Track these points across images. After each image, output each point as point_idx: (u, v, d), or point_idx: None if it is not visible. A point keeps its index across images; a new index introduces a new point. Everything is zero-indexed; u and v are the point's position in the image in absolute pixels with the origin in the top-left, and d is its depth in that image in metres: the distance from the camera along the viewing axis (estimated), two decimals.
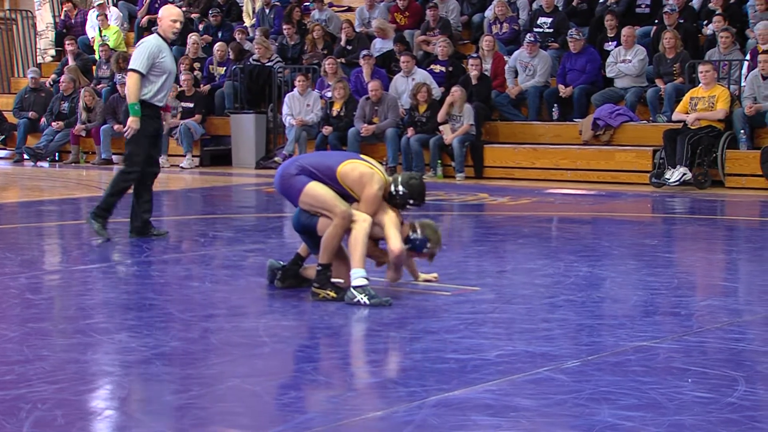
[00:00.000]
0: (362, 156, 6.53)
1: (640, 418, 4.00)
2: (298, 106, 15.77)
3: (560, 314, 5.93)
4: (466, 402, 4.21)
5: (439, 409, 4.12)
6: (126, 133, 8.70)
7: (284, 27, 17.84)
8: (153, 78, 8.69)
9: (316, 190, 6.25)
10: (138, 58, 8.68)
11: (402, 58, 15.58)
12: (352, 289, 6.06)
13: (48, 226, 10.48)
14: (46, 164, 17.08)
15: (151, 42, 8.80)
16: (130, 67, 8.75)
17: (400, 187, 6.35)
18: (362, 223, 6.17)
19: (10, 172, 16.30)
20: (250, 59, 17.09)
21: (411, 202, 6.40)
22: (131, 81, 8.63)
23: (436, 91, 15.08)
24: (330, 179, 6.27)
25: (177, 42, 18.69)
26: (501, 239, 9.42)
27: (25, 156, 17.44)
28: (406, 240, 6.38)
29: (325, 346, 5.46)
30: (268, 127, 16.81)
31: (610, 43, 15.12)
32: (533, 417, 4.05)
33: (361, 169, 6.29)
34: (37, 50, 21.84)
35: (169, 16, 8.82)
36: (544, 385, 4.47)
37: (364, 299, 6.01)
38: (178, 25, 8.88)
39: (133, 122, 8.60)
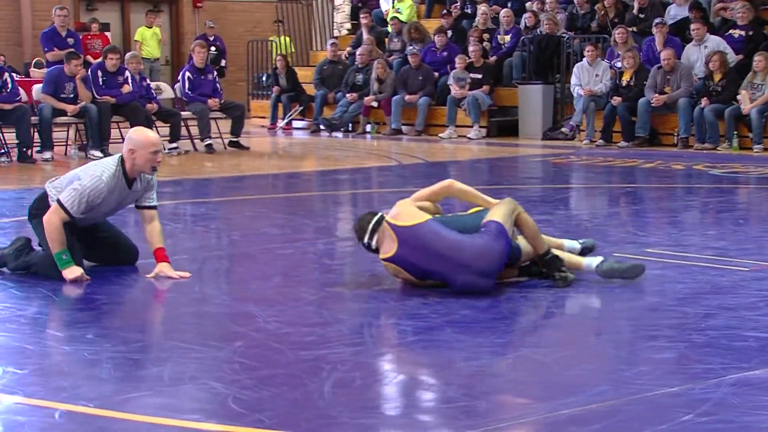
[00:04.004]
0: None
1: None
2: (587, 76, 15.55)
3: None
4: None
5: (739, 388, 3.97)
6: None
7: None
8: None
9: None
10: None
11: (692, 26, 15.07)
12: None
13: (342, 195, 10.88)
14: (340, 135, 17.70)
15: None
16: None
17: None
18: None
19: (308, 142, 17.01)
20: (539, 30, 16.99)
21: None
22: None
23: (732, 58, 14.45)
24: None
25: (462, 23, 18.84)
26: None
27: (321, 126, 18.13)
28: None
29: (614, 320, 5.37)
30: (555, 97, 16.68)
31: None
32: None
33: None
34: (334, 24, 22.61)
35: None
36: None
37: None
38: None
39: None
